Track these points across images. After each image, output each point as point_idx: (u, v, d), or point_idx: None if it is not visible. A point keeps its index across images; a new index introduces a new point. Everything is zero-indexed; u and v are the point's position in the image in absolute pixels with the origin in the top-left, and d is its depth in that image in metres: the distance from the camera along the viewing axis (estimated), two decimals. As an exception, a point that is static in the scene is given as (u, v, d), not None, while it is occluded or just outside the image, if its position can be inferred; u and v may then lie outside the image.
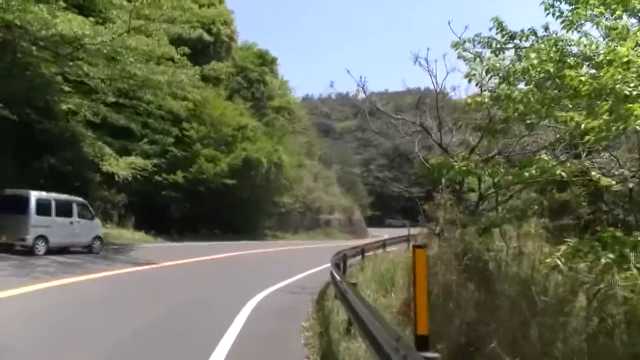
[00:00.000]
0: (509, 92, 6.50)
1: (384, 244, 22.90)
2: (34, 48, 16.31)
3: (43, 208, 17.42)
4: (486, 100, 7.30)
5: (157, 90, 18.58)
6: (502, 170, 8.47)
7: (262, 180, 33.93)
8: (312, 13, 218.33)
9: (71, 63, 17.98)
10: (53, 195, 18.11)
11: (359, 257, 18.25)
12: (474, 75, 7.18)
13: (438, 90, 11.04)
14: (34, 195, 17.20)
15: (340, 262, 13.14)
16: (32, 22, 14.54)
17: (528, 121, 7.30)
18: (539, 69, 6.23)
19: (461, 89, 11.06)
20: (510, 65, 6.88)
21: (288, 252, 27.35)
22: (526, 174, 6.87)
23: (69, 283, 11.32)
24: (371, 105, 11.67)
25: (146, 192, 30.59)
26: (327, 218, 50.84)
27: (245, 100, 39.33)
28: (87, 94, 20.80)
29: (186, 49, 18.45)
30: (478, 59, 8.50)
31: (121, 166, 26.59)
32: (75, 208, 18.97)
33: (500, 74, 6.94)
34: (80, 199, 19.57)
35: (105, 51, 16.24)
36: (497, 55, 8.36)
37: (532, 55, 6.40)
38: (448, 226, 10.62)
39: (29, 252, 16.34)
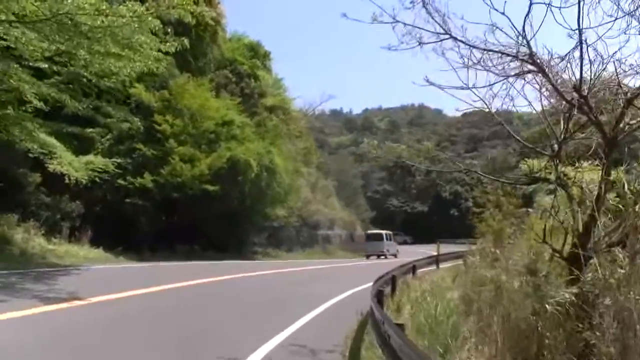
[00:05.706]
0: None
1: (413, 268, 17.10)
2: None
3: (386, 237, 44.14)
4: None
5: (94, 44, 12.61)
6: None
7: (252, 187, 27.89)
8: (307, 29, 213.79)
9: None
10: (387, 232, 45.52)
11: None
12: None
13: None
14: (384, 232, 44.90)
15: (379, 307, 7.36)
16: None
17: None
18: None
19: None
20: None
21: (285, 276, 21.30)
22: None
23: None
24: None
25: (111, 200, 24.92)
26: (326, 234, 44.96)
27: (234, 95, 33.59)
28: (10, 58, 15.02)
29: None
30: None
31: (75, 166, 20.98)
32: (392, 236, 46.35)
33: None
34: (391, 232, 47.67)
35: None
36: None
37: None
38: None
39: (385, 257, 41.81)
